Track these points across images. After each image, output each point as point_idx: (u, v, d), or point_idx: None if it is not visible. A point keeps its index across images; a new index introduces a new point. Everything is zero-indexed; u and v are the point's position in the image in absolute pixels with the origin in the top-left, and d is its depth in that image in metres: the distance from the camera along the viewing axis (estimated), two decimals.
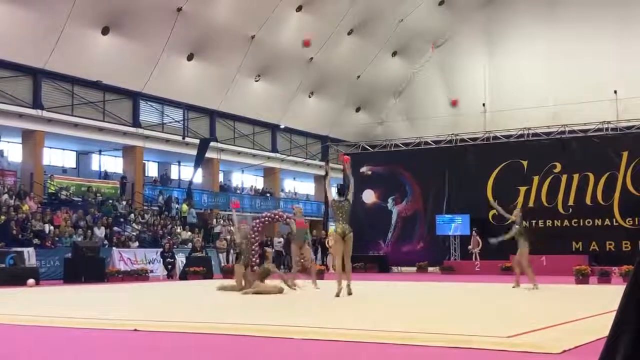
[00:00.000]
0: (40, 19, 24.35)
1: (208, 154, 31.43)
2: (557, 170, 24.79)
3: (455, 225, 25.75)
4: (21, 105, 25.30)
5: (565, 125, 25.58)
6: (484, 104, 35.95)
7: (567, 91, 32.33)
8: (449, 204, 26.68)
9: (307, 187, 41.68)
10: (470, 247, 24.90)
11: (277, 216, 28.13)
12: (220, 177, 35.39)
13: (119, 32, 26.88)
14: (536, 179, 25.05)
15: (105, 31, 26.61)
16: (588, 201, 24.24)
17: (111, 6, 25.96)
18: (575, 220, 24.35)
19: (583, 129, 25.26)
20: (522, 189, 25.17)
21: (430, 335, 6.07)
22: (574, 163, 24.52)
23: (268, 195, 36.73)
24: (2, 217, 20.76)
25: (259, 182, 38.79)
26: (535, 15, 35.58)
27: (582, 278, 17.00)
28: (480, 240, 24.43)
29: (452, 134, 27.63)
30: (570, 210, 24.48)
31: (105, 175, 30.19)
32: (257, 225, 27.68)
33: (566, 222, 24.51)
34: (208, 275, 21.04)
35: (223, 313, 9.17)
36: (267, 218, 27.84)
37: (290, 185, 41.35)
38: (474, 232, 24.80)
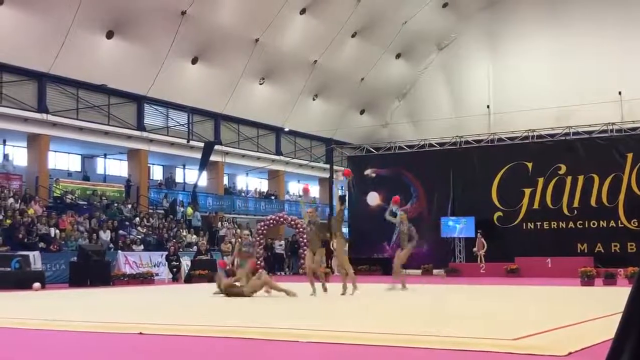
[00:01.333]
0: (46, 24, 24.43)
1: (213, 157, 31.47)
2: (562, 171, 24.73)
3: (460, 227, 25.70)
4: (26, 110, 25.38)
5: (570, 126, 25.53)
6: (488, 106, 35.91)
7: (571, 92, 32.26)
8: (453, 206, 26.64)
9: (311, 190, 41.67)
10: (475, 249, 24.84)
11: (282, 219, 28.20)
12: (225, 180, 35.44)
13: (124, 36, 26.95)
14: (541, 180, 24.99)
15: (109, 35, 26.68)
16: (593, 203, 24.17)
17: (116, 10, 26.04)
18: (580, 221, 24.28)
19: (587, 130, 25.21)
20: (527, 191, 25.14)
21: (435, 337, 6.06)
22: (579, 164, 24.45)
23: (273, 197, 36.74)
24: (8, 221, 20.84)
25: (263, 185, 38.82)
26: (539, 17, 35.52)
27: (587, 280, 16.96)
28: (485, 243, 24.40)
29: (457, 136, 27.57)
30: (575, 211, 24.41)
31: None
32: (262, 228, 27.75)
33: (571, 224, 24.44)
34: (213, 278, 21.03)
35: (228, 316, 9.18)
36: (272, 221, 27.89)
37: (294, 187, 41.35)
38: (479, 234, 24.75)
